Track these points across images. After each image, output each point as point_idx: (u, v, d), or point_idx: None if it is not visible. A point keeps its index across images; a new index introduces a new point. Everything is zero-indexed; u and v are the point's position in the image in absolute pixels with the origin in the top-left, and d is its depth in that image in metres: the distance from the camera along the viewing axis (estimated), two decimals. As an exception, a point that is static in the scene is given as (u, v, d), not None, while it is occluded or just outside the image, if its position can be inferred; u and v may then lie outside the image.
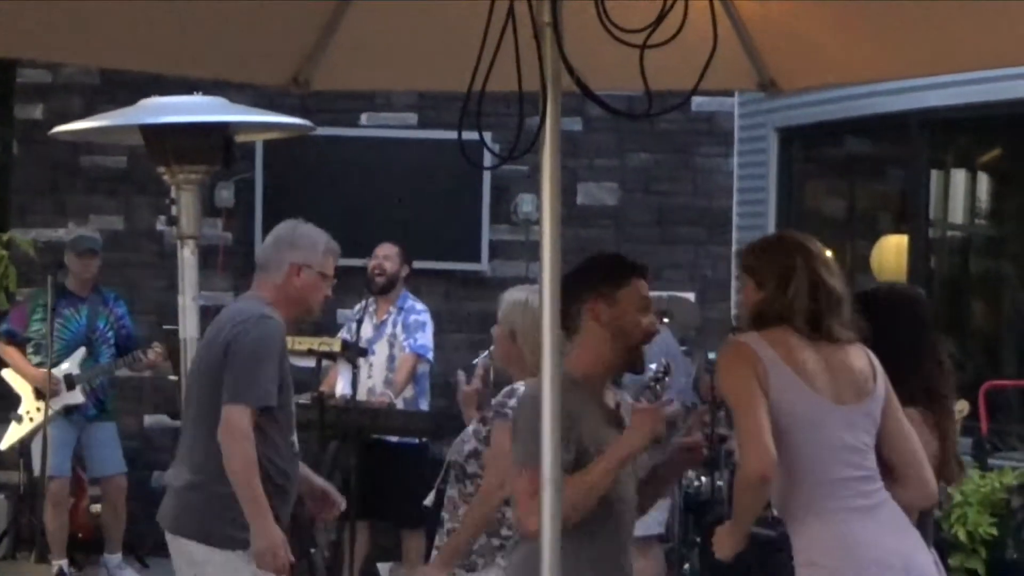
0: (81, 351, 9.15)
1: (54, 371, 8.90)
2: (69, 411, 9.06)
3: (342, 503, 5.68)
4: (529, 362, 4.84)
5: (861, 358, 4.21)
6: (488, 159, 3.44)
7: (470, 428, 5.35)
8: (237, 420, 5.01)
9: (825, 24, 4.10)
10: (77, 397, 9.08)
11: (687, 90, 3.35)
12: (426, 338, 8.71)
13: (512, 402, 4.94)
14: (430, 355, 8.76)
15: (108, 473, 9.31)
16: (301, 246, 5.29)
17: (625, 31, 3.06)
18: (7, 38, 3.72)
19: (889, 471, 4.21)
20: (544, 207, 3.09)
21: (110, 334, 9.32)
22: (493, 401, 5.17)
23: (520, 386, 5.03)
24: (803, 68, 4.40)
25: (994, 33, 3.90)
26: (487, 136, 3.23)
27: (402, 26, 4.04)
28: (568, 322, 4.09)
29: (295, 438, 5.30)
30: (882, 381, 4.20)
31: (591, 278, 4.15)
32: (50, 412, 8.79)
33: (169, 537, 5.19)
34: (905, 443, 4.21)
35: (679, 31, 3.09)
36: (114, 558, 9.30)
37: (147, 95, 6.13)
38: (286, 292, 5.25)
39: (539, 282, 3.20)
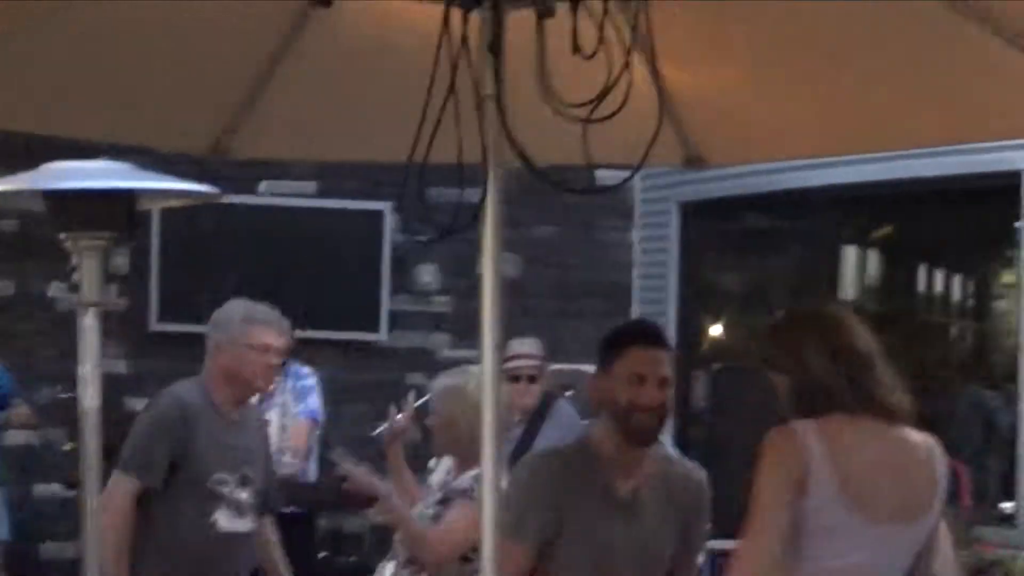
0: None
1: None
2: None
3: None
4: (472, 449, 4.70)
5: (931, 458, 3.67)
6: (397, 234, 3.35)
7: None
8: (112, 487, 4.86)
9: (754, 99, 4.08)
10: None
11: (600, 164, 3.26)
12: (315, 401, 8.56)
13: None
14: (319, 417, 8.61)
15: None
16: (219, 323, 5.22)
17: (568, 106, 3.00)
18: None
19: None
20: (486, 282, 3.01)
21: None
22: (456, 484, 5.03)
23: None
24: (731, 143, 4.38)
25: (924, 112, 3.91)
26: (387, 206, 3.12)
27: (329, 95, 3.97)
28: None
29: (219, 517, 5.09)
30: (943, 489, 3.68)
31: (600, 352, 4.06)
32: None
33: None
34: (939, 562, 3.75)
35: (622, 106, 3.03)
36: None
37: (38, 156, 5.97)
38: (215, 373, 5.17)
39: (481, 359, 3.08)
